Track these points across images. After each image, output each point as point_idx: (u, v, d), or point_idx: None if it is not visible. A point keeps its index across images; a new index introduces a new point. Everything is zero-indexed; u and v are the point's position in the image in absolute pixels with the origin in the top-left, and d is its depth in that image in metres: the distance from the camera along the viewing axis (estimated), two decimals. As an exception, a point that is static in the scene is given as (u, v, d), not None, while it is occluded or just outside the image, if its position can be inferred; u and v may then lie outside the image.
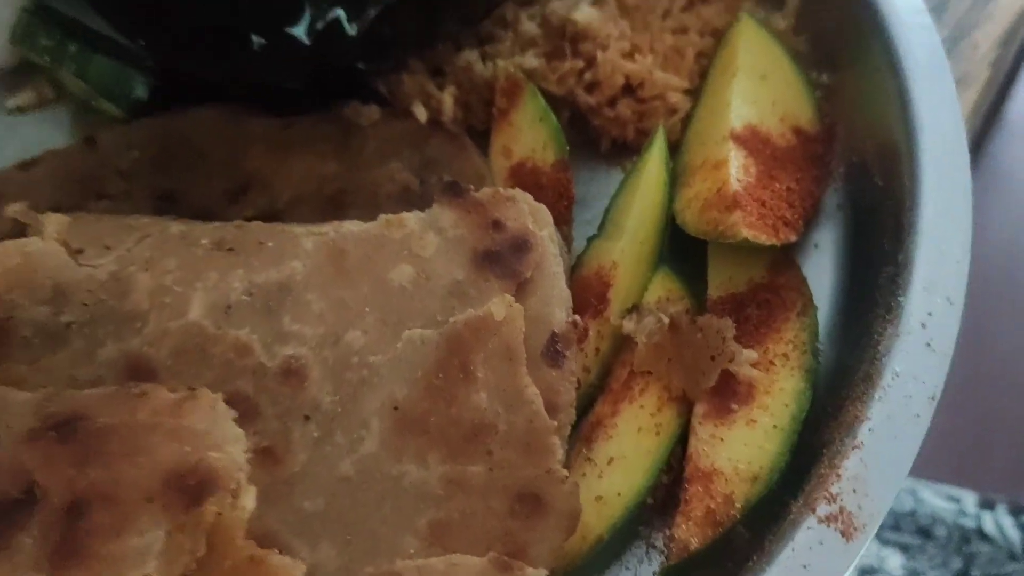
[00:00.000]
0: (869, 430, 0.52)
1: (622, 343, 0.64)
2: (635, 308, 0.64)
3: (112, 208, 0.69)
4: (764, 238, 0.61)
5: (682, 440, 0.60)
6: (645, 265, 0.66)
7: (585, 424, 0.61)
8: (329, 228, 0.59)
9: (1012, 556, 1.22)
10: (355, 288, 0.56)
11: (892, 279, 0.59)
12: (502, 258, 0.58)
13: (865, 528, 0.49)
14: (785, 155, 0.68)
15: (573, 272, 0.66)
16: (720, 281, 0.65)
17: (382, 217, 0.59)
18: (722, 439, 0.57)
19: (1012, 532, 1.25)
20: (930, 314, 0.56)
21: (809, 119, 0.71)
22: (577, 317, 0.57)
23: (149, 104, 0.75)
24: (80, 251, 0.56)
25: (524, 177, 0.70)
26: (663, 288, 0.65)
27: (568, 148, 0.70)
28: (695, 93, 0.75)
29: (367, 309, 0.56)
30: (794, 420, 0.57)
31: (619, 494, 0.57)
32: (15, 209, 0.63)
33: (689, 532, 0.55)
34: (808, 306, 0.62)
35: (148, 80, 0.75)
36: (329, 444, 0.53)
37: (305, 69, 0.69)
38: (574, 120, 0.76)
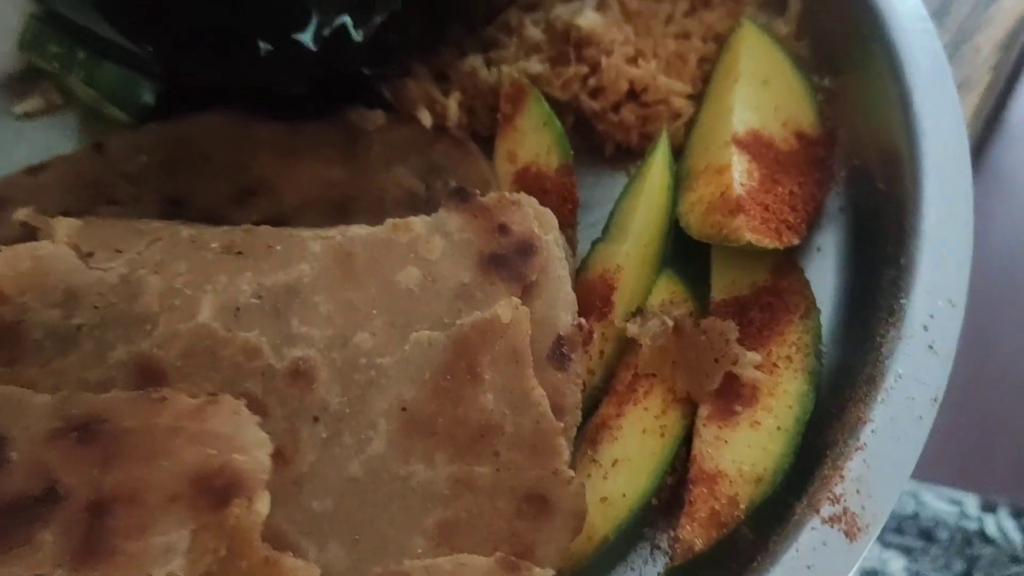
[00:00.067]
0: (872, 431, 0.53)
1: (626, 346, 0.64)
2: (639, 311, 0.64)
3: (120, 213, 0.70)
4: (767, 241, 0.61)
5: (686, 442, 0.60)
6: (649, 268, 0.67)
7: (590, 426, 0.61)
8: (336, 232, 0.59)
9: (1014, 558, 1.23)
10: (363, 290, 0.57)
11: (894, 282, 0.60)
12: (508, 261, 0.58)
13: (869, 529, 0.50)
14: (788, 159, 0.69)
15: (578, 275, 0.67)
16: (723, 284, 0.65)
17: (389, 221, 0.59)
18: (726, 441, 0.58)
19: (1014, 534, 1.25)
20: (932, 316, 0.57)
21: (811, 123, 0.72)
22: (582, 320, 0.58)
23: (156, 110, 0.76)
24: (91, 255, 0.56)
25: (529, 181, 0.70)
26: (667, 291, 0.66)
27: (572, 153, 0.70)
28: (698, 98, 0.76)
29: (375, 311, 0.56)
30: (798, 422, 0.58)
31: (624, 495, 0.58)
32: (23, 213, 0.63)
33: (693, 533, 0.55)
34: (811, 309, 0.62)
35: (155, 86, 0.76)
36: (337, 445, 0.53)
37: (311, 75, 0.70)
38: (578, 125, 0.77)
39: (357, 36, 0.66)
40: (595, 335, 0.64)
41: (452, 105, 0.74)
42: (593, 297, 0.65)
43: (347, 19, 0.65)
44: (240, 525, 0.46)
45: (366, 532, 0.52)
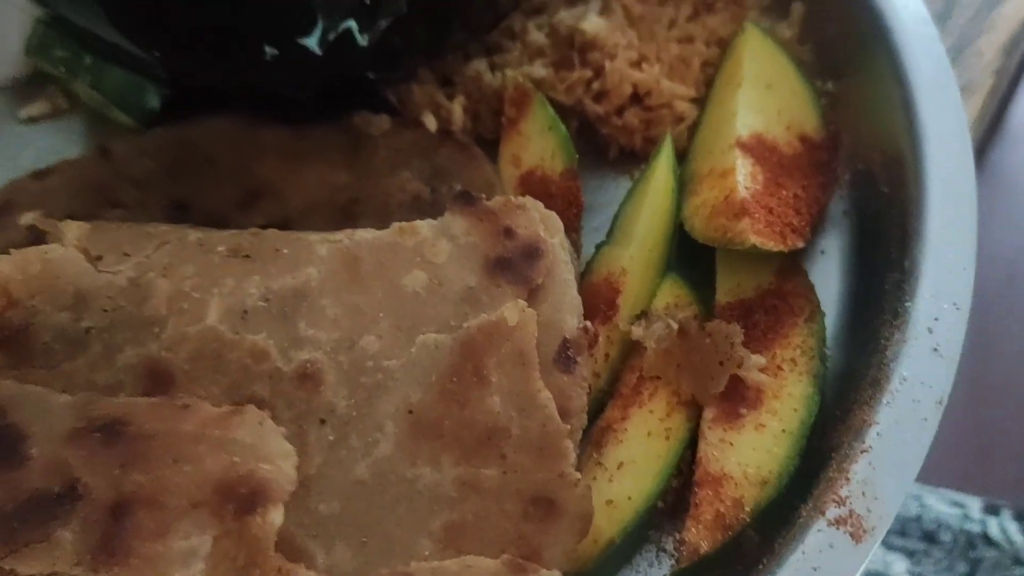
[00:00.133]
0: (877, 434, 0.53)
1: (631, 348, 0.65)
2: (644, 314, 0.64)
3: (126, 217, 0.70)
4: (772, 245, 0.62)
5: (692, 444, 0.60)
6: (654, 271, 0.67)
7: (595, 429, 0.62)
8: (343, 235, 0.60)
9: (1017, 560, 1.23)
10: (369, 294, 0.57)
11: (899, 285, 0.60)
12: (514, 265, 0.59)
13: (874, 531, 0.50)
14: (791, 163, 0.69)
15: (582, 278, 0.67)
16: (728, 287, 0.65)
17: (395, 224, 0.60)
18: (731, 443, 0.58)
19: (1017, 537, 1.25)
20: (937, 319, 0.57)
21: (815, 127, 0.72)
22: (588, 323, 0.58)
23: (162, 114, 0.77)
24: (99, 258, 0.57)
25: (533, 185, 0.71)
26: (671, 294, 0.66)
27: (577, 156, 0.71)
28: (701, 102, 0.76)
29: (381, 314, 0.57)
30: (803, 424, 0.58)
31: (629, 498, 0.58)
32: (30, 217, 0.64)
33: (699, 536, 0.55)
34: (816, 312, 0.63)
35: (161, 91, 0.77)
36: (344, 447, 0.54)
37: (316, 79, 0.70)
38: (582, 129, 0.77)
39: (362, 41, 0.66)
40: (600, 338, 0.64)
41: (457, 109, 0.74)
42: (598, 300, 0.65)
43: (352, 24, 0.65)
44: (256, 534, 0.47)
45: (373, 534, 0.52)
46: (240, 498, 0.47)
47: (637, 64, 0.75)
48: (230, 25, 0.64)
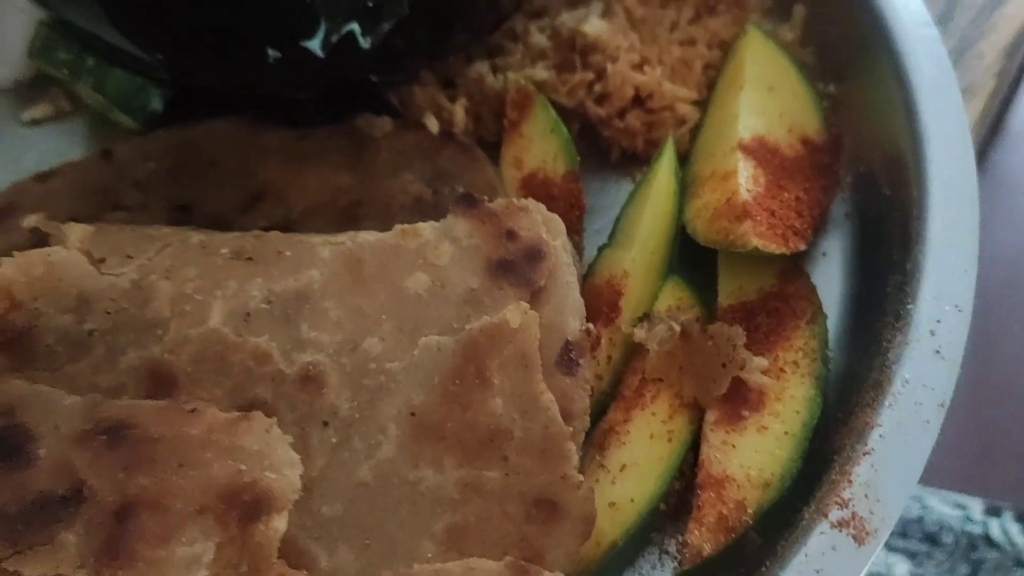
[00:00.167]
0: (880, 436, 0.53)
1: (633, 351, 0.65)
2: (646, 316, 0.64)
3: (129, 219, 0.70)
4: (774, 247, 0.62)
5: (694, 447, 0.60)
6: (656, 274, 0.67)
7: (597, 431, 0.62)
8: (346, 238, 0.60)
9: (1019, 562, 1.23)
10: (372, 296, 0.57)
11: (900, 287, 0.60)
12: (516, 267, 0.59)
13: (877, 533, 0.50)
14: (793, 165, 0.69)
15: (584, 281, 0.67)
16: (730, 289, 0.65)
17: (398, 227, 0.60)
18: (734, 446, 0.58)
19: (1019, 538, 1.25)
20: (939, 322, 0.57)
21: (816, 129, 0.72)
22: (590, 325, 0.58)
23: (165, 116, 0.77)
24: (102, 260, 0.57)
25: (535, 188, 0.71)
26: (673, 297, 0.66)
27: (579, 159, 0.71)
28: (703, 104, 0.76)
29: (384, 316, 0.57)
30: (805, 427, 0.58)
31: (632, 500, 0.58)
32: (33, 220, 0.64)
33: (702, 538, 0.55)
34: (817, 314, 0.63)
35: (164, 93, 0.77)
36: (347, 449, 0.54)
37: (319, 81, 0.70)
38: (584, 131, 0.77)
39: (365, 43, 0.66)
40: (602, 340, 0.64)
41: (459, 111, 0.74)
42: (600, 303, 0.65)
43: (355, 26, 0.65)
44: (260, 542, 0.47)
45: (376, 536, 0.52)
46: (245, 505, 0.47)
47: (639, 67, 0.76)
48: (232, 27, 0.64)
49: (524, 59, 0.77)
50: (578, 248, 0.68)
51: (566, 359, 0.56)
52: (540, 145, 0.72)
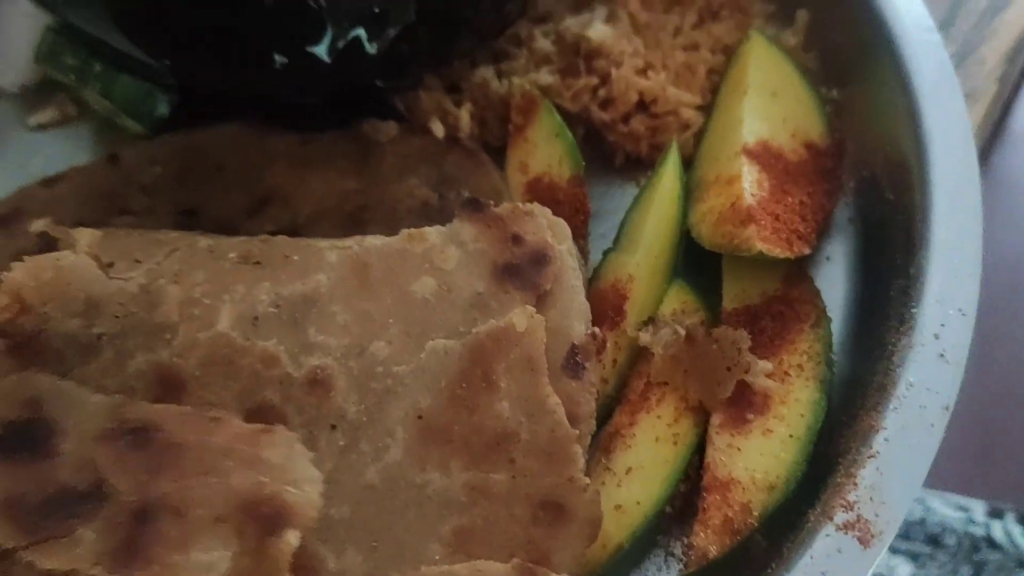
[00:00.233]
0: (885, 439, 0.53)
1: (639, 354, 0.65)
2: (651, 320, 0.65)
3: (135, 223, 0.70)
4: (779, 251, 0.62)
5: (699, 450, 0.60)
6: (660, 278, 0.67)
7: (603, 434, 0.62)
8: (353, 242, 0.60)
9: (1021, 563, 1.23)
10: (379, 300, 0.58)
11: (904, 291, 0.60)
12: (522, 271, 0.59)
13: (882, 535, 0.50)
14: (797, 169, 0.69)
15: (590, 285, 0.67)
16: (735, 293, 0.66)
17: (404, 231, 0.60)
18: (739, 449, 0.58)
19: (1021, 540, 1.25)
20: (943, 325, 0.57)
21: (820, 134, 0.72)
22: (596, 329, 0.58)
23: (171, 121, 0.77)
24: (111, 265, 0.57)
25: (541, 192, 0.71)
26: (678, 300, 0.67)
27: (583, 163, 0.71)
28: (707, 109, 0.77)
29: (391, 320, 0.57)
30: (810, 430, 0.58)
31: (638, 503, 0.58)
32: (41, 224, 0.64)
33: (707, 540, 0.56)
34: (822, 318, 0.63)
35: (170, 98, 0.77)
36: (354, 452, 0.54)
37: (325, 87, 0.71)
38: (588, 136, 0.77)
39: (371, 49, 0.67)
40: (607, 344, 0.64)
41: (464, 116, 0.75)
42: (605, 306, 0.66)
43: (361, 32, 0.66)
44: (275, 556, 0.47)
45: (383, 539, 0.53)
46: (263, 519, 0.47)
47: (643, 71, 0.76)
48: (239, 33, 0.65)
49: (529, 64, 0.77)
50: (583, 252, 0.69)
51: (572, 363, 0.57)
52: (545, 150, 0.73)
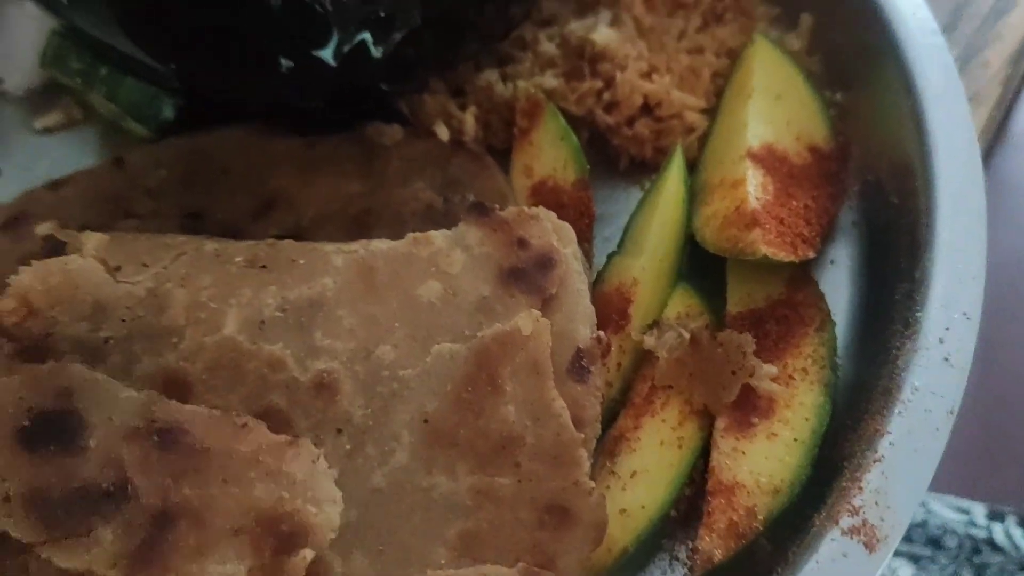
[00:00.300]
0: (890, 444, 0.54)
1: (643, 358, 0.65)
2: (656, 323, 0.65)
3: (140, 227, 0.70)
4: (783, 255, 0.62)
5: (704, 453, 0.61)
6: (665, 281, 0.68)
7: (608, 438, 0.62)
8: (358, 246, 0.60)
9: (1022, 566, 1.23)
10: (385, 304, 0.58)
11: (909, 295, 0.61)
12: (527, 275, 0.59)
13: (888, 540, 0.50)
14: (801, 173, 0.69)
15: (594, 288, 0.67)
16: (739, 297, 0.66)
17: (410, 235, 0.60)
18: (744, 452, 0.58)
19: (1022, 542, 1.25)
20: (948, 329, 0.57)
21: (824, 138, 0.72)
22: (601, 333, 0.58)
23: (176, 124, 0.77)
24: (118, 268, 0.57)
25: (545, 195, 0.71)
26: (682, 304, 0.67)
27: (588, 167, 0.71)
28: (711, 112, 0.77)
29: (397, 324, 0.57)
30: (814, 434, 0.58)
31: (643, 507, 0.58)
32: (47, 228, 0.64)
33: (712, 544, 0.56)
34: (826, 321, 0.63)
35: (175, 101, 0.77)
36: (361, 456, 0.54)
37: (330, 90, 0.71)
38: (593, 139, 0.77)
39: (376, 52, 0.67)
40: (612, 348, 0.64)
41: (469, 119, 0.75)
42: (610, 310, 0.66)
43: (367, 36, 0.66)
44: (289, 573, 0.47)
45: (389, 543, 0.53)
46: (281, 535, 0.48)
47: (647, 75, 0.76)
48: (245, 37, 0.65)
49: (533, 67, 0.77)
50: (588, 256, 0.69)
51: (577, 366, 0.57)
52: (550, 153, 0.73)
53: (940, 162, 0.65)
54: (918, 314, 0.58)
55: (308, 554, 0.48)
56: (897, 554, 1.27)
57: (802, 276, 0.66)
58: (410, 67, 0.71)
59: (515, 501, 0.53)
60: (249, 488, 0.49)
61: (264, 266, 0.59)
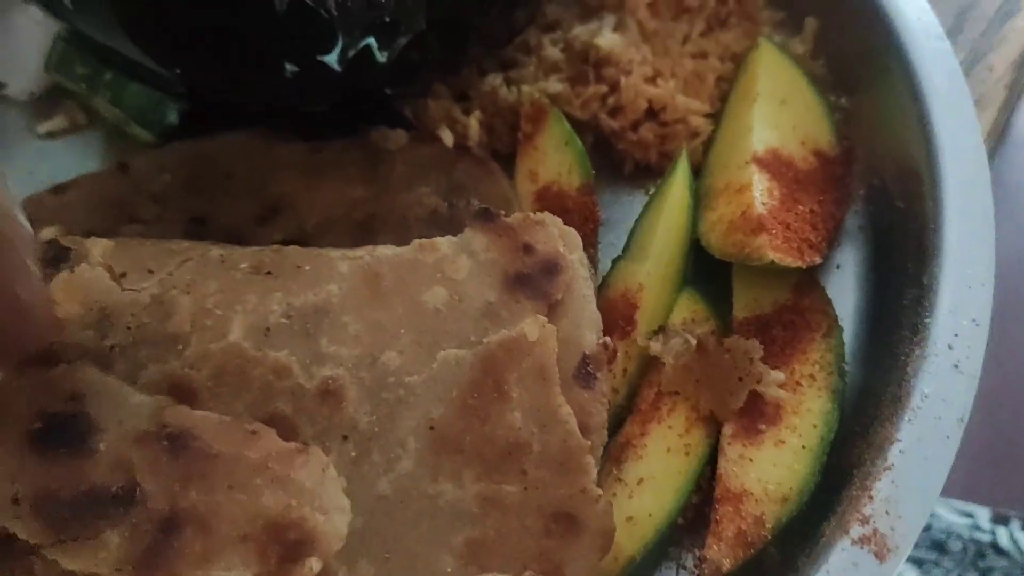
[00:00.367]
0: (900, 452, 0.53)
1: (649, 364, 0.65)
2: (662, 329, 0.65)
3: (144, 232, 0.70)
4: (790, 260, 0.62)
5: (711, 460, 0.60)
6: (671, 286, 0.67)
7: (614, 444, 0.62)
8: (364, 252, 0.60)
9: (1028, 571, 1.23)
10: (390, 310, 0.57)
11: (917, 301, 0.60)
12: (533, 280, 0.59)
13: (898, 549, 0.50)
14: (807, 178, 0.69)
15: (599, 294, 0.67)
16: (745, 302, 0.66)
17: (416, 241, 0.60)
18: (751, 459, 0.58)
19: (1028, 547, 1.25)
20: (957, 335, 0.57)
21: (829, 142, 0.72)
22: (607, 339, 0.58)
23: (180, 129, 0.77)
24: (123, 275, 0.57)
25: (550, 201, 0.71)
26: (688, 309, 0.66)
27: (593, 172, 0.71)
28: (716, 117, 0.77)
29: (402, 330, 0.57)
30: (822, 441, 0.58)
31: (650, 514, 0.58)
32: (50, 233, 0.64)
33: (720, 553, 0.55)
34: (833, 327, 0.63)
35: (180, 106, 0.77)
36: (366, 463, 0.54)
37: (335, 95, 0.71)
38: (598, 144, 0.77)
39: (381, 57, 0.67)
40: (618, 354, 0.64)
41: (473, 124, 0.75)
42: (615, 316, 0.66)
43: (372, 40, 0.66)
44: None
45: (395, 550, 0.52)
46: (288, 543, 0.47)
47: (652, 79, 0.76)
48: (250, 42, 0.65)
49: (538, 72, 0.77)
50: (593, 261, 0.69)
51: (584, 372, 0.57)
52: (554, 158, 0.73)
53: (946, 166, 0.65)
54: (927, 320, 0.58)
55: (315, 563, 0.47)
56: (901, 558, 1.27)
57: (809, 281, 0.66)
58: (414, 71, 0.71)
59: (522, 508, 0.53)
60: (257, 495, 0.49)
61: (269, 272, 0.58)
